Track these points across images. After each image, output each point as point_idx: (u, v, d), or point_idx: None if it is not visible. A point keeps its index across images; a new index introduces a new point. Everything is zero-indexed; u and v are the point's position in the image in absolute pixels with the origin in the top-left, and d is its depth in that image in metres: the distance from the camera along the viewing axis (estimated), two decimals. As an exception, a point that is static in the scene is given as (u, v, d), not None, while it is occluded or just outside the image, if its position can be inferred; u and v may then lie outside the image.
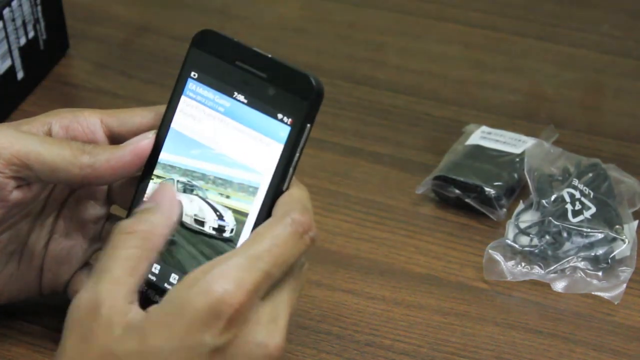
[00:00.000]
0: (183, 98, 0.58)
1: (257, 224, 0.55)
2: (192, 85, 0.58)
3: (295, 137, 0.54)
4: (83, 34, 0.94)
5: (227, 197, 0.56)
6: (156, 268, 0.57)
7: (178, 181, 0.58)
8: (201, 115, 0.57)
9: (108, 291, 0.50)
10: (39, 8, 0.86)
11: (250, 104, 0.56)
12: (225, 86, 0.56)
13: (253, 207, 0.55)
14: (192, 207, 0.57)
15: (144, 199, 0.59)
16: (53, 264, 0.63)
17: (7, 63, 0.83)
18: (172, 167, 0.58)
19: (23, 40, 0.84)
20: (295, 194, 0.55)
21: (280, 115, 0.54)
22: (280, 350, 0.51)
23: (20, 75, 0.85)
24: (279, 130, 0.55)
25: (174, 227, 0.54)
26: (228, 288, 0.49)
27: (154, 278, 0.57)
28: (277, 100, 0.55)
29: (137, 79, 0.90)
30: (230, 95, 0.56)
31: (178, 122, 0.58)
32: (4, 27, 0.81)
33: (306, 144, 0.55)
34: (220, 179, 0.56)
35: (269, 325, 0.51)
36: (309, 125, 0.54)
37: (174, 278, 0.57)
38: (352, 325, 0.67)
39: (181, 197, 0.57)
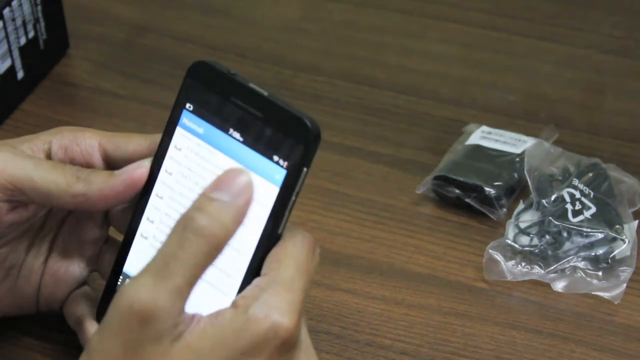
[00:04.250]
0: (178, 129, 0.56)
1: (251, 267, 0.53)
2: (188, 117, 0.56)
3: (291, 182, 0.52)
4: (83, 34, 0.94)
5: None
6: None
7: None
8: (196, 149, 0.56)
9: (168, 301, 0.48)
10: (39, 8, 0.86)
11: (245, 143, 0.54)
12: (220, 122, 0.54)
13: (247, 249, 0.54)
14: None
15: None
16: (50, 282, 0.62)
17: (7, 63, 0.83)
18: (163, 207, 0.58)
19: (23, 40, 0.84)
20: None
21: (276, 158, 0.52)
22: None
23: (20, 75, 0.85)
24: (275, 172, 0.53)
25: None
26: (284, 312, 0.49)
27: None
28: (273, 141, 0.52)
29: (137, 79, 0.90)
30: (226, 131, 0.54)
31: (172, 154, 0.57)
32: (4, 26, 0.81)
33: (302, 186, 0.53)
34: None
35: (307, 351, 0.52)
36: (305, 169, 0.52)
37: None
38: (352, 325, 0.67)
39: None
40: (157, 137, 0.58)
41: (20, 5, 0.83)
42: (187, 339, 0.48)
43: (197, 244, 0.48)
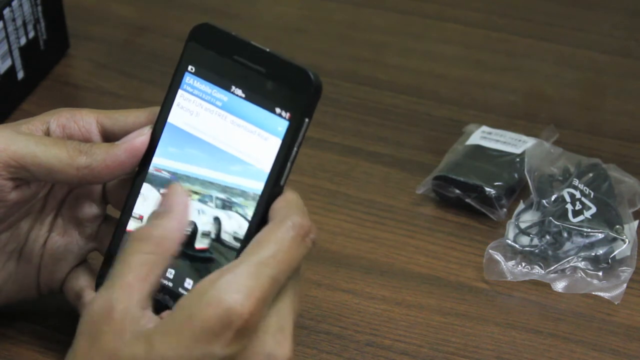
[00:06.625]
0: (180, 92, 0.58)
1: (255, 218, 0.55)
2: (189, 79, 0.58)
3: (293, 132, 0.54)
4: (83, 34, 0.94)
5: (226, 193, 0.56)
6: (171, 273, 0.57)
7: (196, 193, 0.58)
8: (198, 110, 0.57)
9: (121, 296, 0.50)
10: (39, 8, 0.86)
11: (248, 98, 0.56)
12: (222, 80, 0.56)
13: (251, 201, 0.55)
14: (231, 224, 0.57)
15: (143, 197, 0.59)
16: (50, 262, 0.63)
17: (8, 63, 0.83)
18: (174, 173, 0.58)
19: (23, 40, 0.84)
20: (290, 198, 0.55)
21: (278, 110, 0.54)
22: None
23: (20, 75, 0.85)
24: (277, 124, 0.54)
25: (186, 229, 0.53)
26: (238, 298, 0.49)
27: (169, 283, 0.57)
28: (275, 95, 0.54)
29: (137, 79, 0.90)
30: (228, 89, 0.56)
31: (175, 116, 0.58)
32: (5, 27, 0.81)
33: (304, 138, 0.55)
34: (218, 174, 0.56)
35: (277, 336, 0.51)
36: (307, 119, 0.54)
37: (188, 283, 0.57)
38: (352, 325, 0.67)
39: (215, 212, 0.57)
40: (156, 109, 0.59)
41: (21, 5, 0.83)
42: (144, 330, 0.49)
43: (138, 246, 0.52)
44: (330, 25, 0.98)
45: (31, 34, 0.85)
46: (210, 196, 0.57)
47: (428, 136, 0.83)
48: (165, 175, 0.57)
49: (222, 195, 0.56)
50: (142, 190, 0.58)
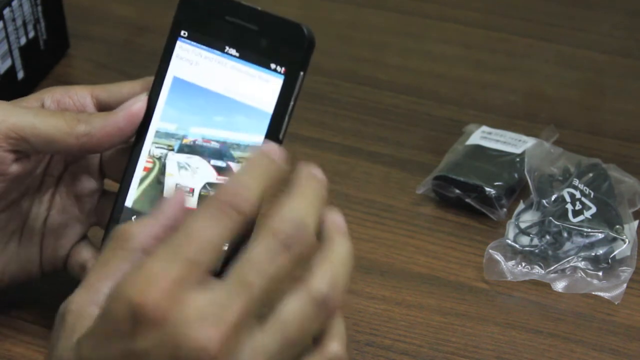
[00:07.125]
0: (173, 58, 0.58)
1: None
2: (182, 46, 0.58)
3: (289, 86, 0.55)
4: (83, 34, 0.94)
5: (226, 150, 0.57)
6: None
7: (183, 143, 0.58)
8: (194, 70, 0.58)
9: (78, 297, 0.47)
10: (39, 8, 0.86)
11: (242, 57, 0.56)
12: (216, 42, 0.57)
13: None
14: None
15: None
16: (51, 240, 0.63)
17: (8, 63, 0.83)
18: (169, 133, 0.59)
19: (23, 40, 0.84)
20: (294, 211, 0.45)
21: (273, 65, 0.55)
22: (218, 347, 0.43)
23: (20, 75, 0.85)
24: (273, 79, 0.55)
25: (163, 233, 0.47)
26: (138, 288, 0.43)
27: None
28: (269, 51, 0.55)
29: (138, 79, 0.90)
30: (222, 50, 0.57)
31: (173, 70, 0.59)
32: (5, 27, 0.81)
33: (300, 93, 0.55)
34: (217, 132, 0.57)
35: (199, 322, 0.43)
36: (302, 73, 0.55)
37: None
38: (352, 325, 0.66)
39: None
40: (150, 79, 0.60)
41: (21, 5, 0.83)
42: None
43: (107, 244, 0.47)
44: (330, 25, 0.98)
45: (31, 34, 0.85)
46: (208, 149, 0.58)
47: (428, 136, 0.83)
48: (214, 145, 0.58)
49: (221, 150, 0.57)
50: (190, 163, 0.59)
